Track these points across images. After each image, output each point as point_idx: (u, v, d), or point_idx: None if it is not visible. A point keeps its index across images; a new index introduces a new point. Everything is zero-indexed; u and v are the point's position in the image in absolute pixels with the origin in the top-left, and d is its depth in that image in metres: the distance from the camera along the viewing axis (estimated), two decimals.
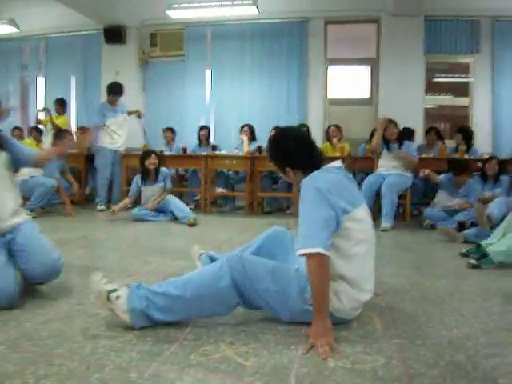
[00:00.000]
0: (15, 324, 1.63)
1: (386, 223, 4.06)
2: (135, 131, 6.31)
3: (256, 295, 1.55)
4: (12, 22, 6.27)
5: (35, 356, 1.36)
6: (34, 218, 4.35)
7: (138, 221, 4.35)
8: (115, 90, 5.35)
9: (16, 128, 6.27)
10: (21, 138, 6.02)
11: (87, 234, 3.66)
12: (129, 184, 5.50)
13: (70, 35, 6.81)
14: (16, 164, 2.12)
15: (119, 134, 5.36)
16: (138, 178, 4.57)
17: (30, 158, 2.18)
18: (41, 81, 7.19)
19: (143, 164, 4.50)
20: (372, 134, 5.18)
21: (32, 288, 2.04)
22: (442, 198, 4.22)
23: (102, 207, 5.15)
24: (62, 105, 5.98)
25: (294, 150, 1.62)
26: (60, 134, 4.61)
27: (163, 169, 4.63)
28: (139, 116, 5.67)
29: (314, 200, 1.47)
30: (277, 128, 5.05)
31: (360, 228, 1.54)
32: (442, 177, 4.26)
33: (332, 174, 1.58)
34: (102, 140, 5.33)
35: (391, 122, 4.34)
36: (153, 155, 4.51)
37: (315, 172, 1.57)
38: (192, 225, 4.17)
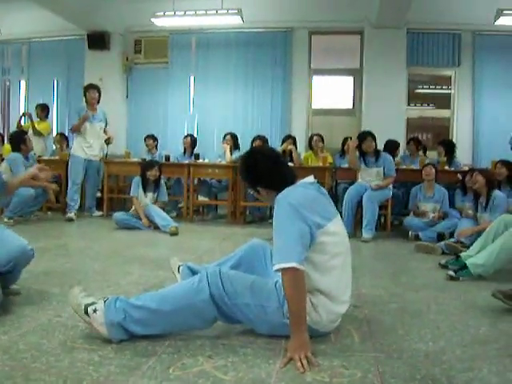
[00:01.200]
0: None
1: (367, 234, 4.11)
2: (117, 137, 6.26)
3: (235, 310, 1.55)
4: None
5: (12, 370, 1.35)
6: (11, 226, 4.34)
7: (120, 227, 4.30)
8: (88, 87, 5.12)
9: None
10: (1, 143, 5.91)
11: (67, 243, 3.60)
12: (111, 191, 5.47)
13: (53, 40, 6.75)
14: None
15: (91, 145, 5.10)
16: (139, 181, 4.58)
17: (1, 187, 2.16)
18: (23, 85, 7.09)
19: (144, 173, 4.55)
20: (343, 144, 5.28)
21: (9, 299, 2.00)
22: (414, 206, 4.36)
23: (71, 215, 4.86)
24: (43, 110, 5.91)
25: (265, 170, 1.64)
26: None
27: (162, 181, 4.73)
28: (108, 142, 5.44)
29: (287, 215, 1.48)
30: (257, 137, 5.11)
31: (335, 241, 1.56)
32: (412, 191, 4.38)
33: (305, 189, 1.59)
34: (74, 148, 5.13)
35: (369, 134, 4.37)
36: (156, 168, 4.57)
37: (288, 188, 1.58)
38: (174, 234, 4.14)
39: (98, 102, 5.12)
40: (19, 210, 4.52)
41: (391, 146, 5.00)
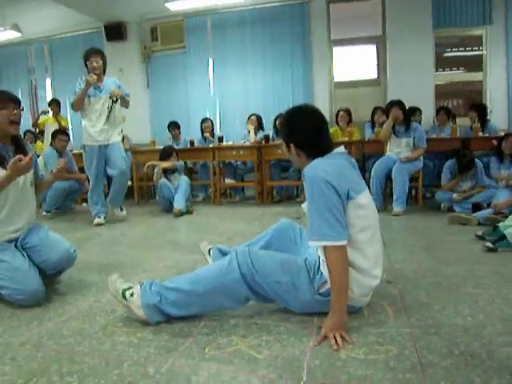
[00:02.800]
0: (38, 323, 1.70)
1: (397, 207, 4.02)
2: (141, 124, 6.34)
3: (266, 288, 1.56)
4: (15, 27, 6.34)
5: (58, 354, 1.42)
6: (50, 219, 4.53)
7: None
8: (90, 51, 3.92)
9: (29, 131, 6.38)
10: (34, 141, 6.16)
11: (101, 232, 3.71)
12: (140, 180, 5.57)
13: (72, 35, 6.86)
14: None
15: (100, 126, 3.91)
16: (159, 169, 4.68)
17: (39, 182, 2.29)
18: (48, 83, 7.29)
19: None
20: (373, 114, 5.12)
21: (52, 287, 2.12)
22: (446, 182, 4.15)
23: (100, 220, 4.02)
24: (58, 105, 6.06)
25: (305, 131, 1.58)
26: (54, 133, 4.87)
27: (179, 163, 4.80)
28: (114, 99, 3.97)
29: (321, 191, 1.44)
30: (280, 115, 5.01)
31: (363, 214, 1.52)
32: (446, 166, 4.15)
33: (333, 160, 1.54)
34: (83, 136, 4.04)
35: (396, 103, 4.19)
36: (173, 155, 4.72)
37: (316, 161, 1.53)
38: (176, 215, 4.30)
39: (104, 72, 3.96)
40: (55, 203, 4.72)
41: (412, 113, 4.78)
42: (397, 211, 4.00)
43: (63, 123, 5.96)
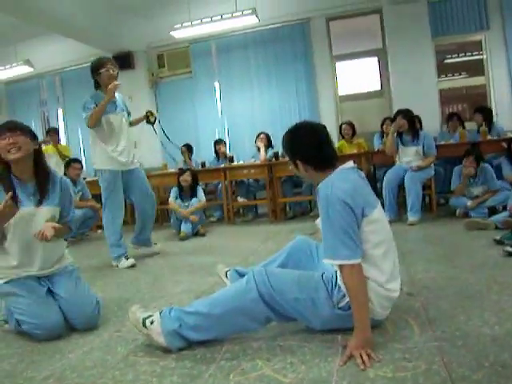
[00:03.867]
0: (60, 356, 1.69)
1: (413, 217, 3.98)
2: (152, 149, 6.39)
3: (286, 306, 1.55)
4: (27, 63, 6.55)
5: None
6: (66, 247, 4.56)
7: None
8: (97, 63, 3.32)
9: None
10: None
11: None
12: (161, 203, 5.60)
13: (82, 67, 7.02)
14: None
15: (121, 147, 3.35)
16: (176, 191, 4.69)
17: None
18: (60, 113, 7.50)
19: (179, 182, 4.68)
20: (383, 124, 5.12)
21: None
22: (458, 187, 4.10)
23: (129, 262, 3.32)
24: (57, 133, 6.11)
25: (309, 145, 1.59)
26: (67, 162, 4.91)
27: (199, 187, 4.78)
28: (150, 120, 3.61)
29: (337, 210, 1.45)
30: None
31: (377, 229, 1.52)
32: (455, 171, 4.09)
33: (349, 176, 1.55)
34: (97, 160, 3.38)
35: (400, 113, 4.15)
36: (187, 172, 4.68)
37: (330, 178, 1.54)
38: (181, 239, 4.33)
39: None
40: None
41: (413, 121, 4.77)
42: (412, 220, 3.96)
43: (65, 152, 5.91)
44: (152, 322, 1.61)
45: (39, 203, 1.98)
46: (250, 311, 1.56)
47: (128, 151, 3.41)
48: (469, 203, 3.89)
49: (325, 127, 1.67)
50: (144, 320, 1.63)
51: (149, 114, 3.58)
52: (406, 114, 4.15)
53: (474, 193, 3.95)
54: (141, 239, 3.66)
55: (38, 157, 2.00)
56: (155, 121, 3.62)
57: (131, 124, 3.59)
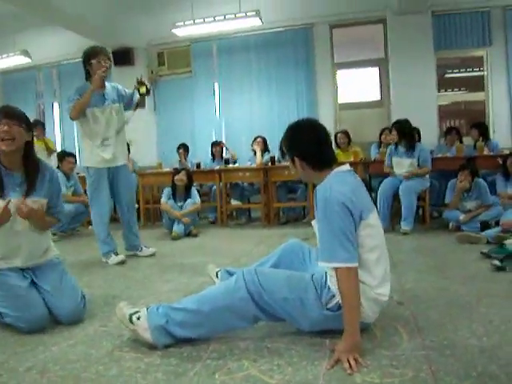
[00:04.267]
0: (43, 348, 1.67)
1: (406, 226, 4.00)
2: (148, 147, 6.37)
3: (275, 306, 1.54)
4: (25, 53, 6.49)
5: (63, 380, 1.39)
6: (56, 241, 4.52)
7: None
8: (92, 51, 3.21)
9: None
10: None
11: None
12: (146, 202, 5.58)
13: (80, 61, 6.99)
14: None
15: (107, 142, 3.23)
16: (169, 191, 4.65)
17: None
18: (56, 107, 7.42)
19: (173, 181, 4.63)
20: (381, 134, 5.16)
21: None
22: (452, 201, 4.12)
23: (118, 258, 3.28)
24: (41, 127, 5.99)
25: (308, 143, 1.59)
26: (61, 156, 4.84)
27: (193, 188, 4.74)
28: (141, 91, 3.37)
29: (335, 212, 1.44)
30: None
31: (372, 234, 1.52)
32: (449, 186, 4.13)
33: (346, 179, 1.55)
34: (84, 156, 3.34)
35: (393, 125, 4.28)
36: (182, 172, 4.64)
37: (328, 179, 1.54)
38: (174, 238, 4.31)
39: (108, 76, 3.29)
40: (61, 227, 4.71)
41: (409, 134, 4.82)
42: (405, 229, 3.97)
43: (50, 146, 5.83)
44: (139, 318, 1.60)
45: (26, 194, 1.93)
46: (238, 309, 1.55)
47: (115, 147, 3.26)
48: (461, 217, 3.91)
49: (325, 128, 1.66)
50: (131, 316, 1.62)
51: (138, 86, 3.33)
52: (400, 125, 4.19)
53: (467, 207, 3.96)
54: (129, 245, 3.57)
55: (28, 148, 1.96)
56: (148, 92, 3.40)
57: (138, 104, 3.43)
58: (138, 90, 3.35)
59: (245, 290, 1.53)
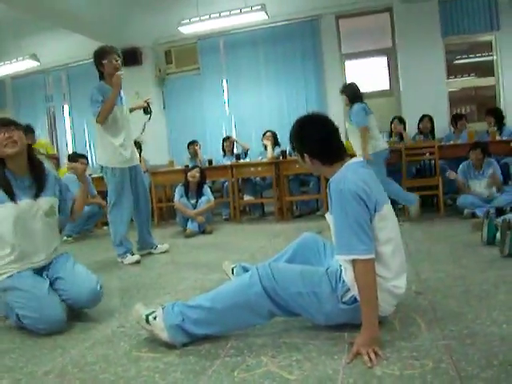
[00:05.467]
0: (61, 351, 1.68)
1: (411, 207, 4.12)
2: (159, 146, 6.38)
3: (290, 301, 1.54)
4: (33, 57, 6.55)
5: (82, 382, 1.40)
6: (71, 242, 4.59)
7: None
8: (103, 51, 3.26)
9: (51, 157, 6.55)
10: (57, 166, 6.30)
11: None
12: (159, 201, 5.62)
13: (89, 63, 7.00)
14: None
15: (125, 142, 3.29)
16: (181, 189, 4.66)
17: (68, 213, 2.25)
18: (66, 109, 7.49)
19: (186, 178, 4.65)
20: (392, 123, 5.09)
21: (74, 313, 2.09)
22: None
23: (134, 258, 3.31)
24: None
25: (316, 138, 1.58)
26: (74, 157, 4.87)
27: (206, 186, 4.75)
28: (147, 110, 3.61)
29: (350, 204, 1.43)
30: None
31: (387, 226, 1.50)
32: (460, 168, 4.13)
33: (359, 171, 1.53)
34: (104, 157, 3.32)
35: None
36: (196, 169, 4.65)
37: (341, 172, 1.52)
38: (187, 236, 4.31)
39: None
40: (75, 228, 4.78)
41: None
42: (413, 210, 4.05)
43: (49, 151, 5.86)
44: (155, 318, 1.60)
45: (36, 195, 2.01)
46: (253, 305, 1.54)
47: (131, 146, 3.36)
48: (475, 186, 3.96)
49: (332, 122, 1.64)
50: (147, 316, 1.62)
51: (149, 103, 3.57)
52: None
53: (478, 186, 3.97)
54: (144, 243, 3.60)
55: (30, 150, 2.07)
56: (150, 114, 3.59)
57: (131, 110, 3.52)
58: (145, 108, 3.59)
59: (259, 285, 1.53)
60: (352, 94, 4.18)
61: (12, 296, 1.90)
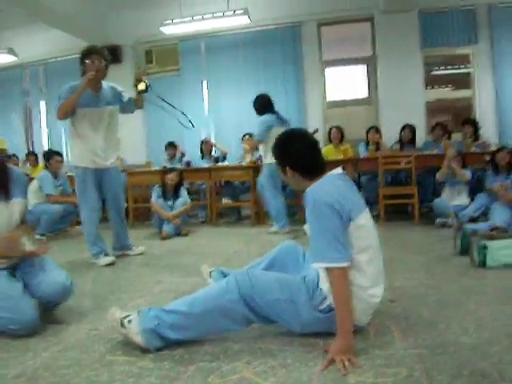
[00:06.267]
0: (33, 354, 1.63)
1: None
2: (136, 146, 6.29)
3: (266, 308, 1.54)
4: (11, 51, 6.37)
5: None
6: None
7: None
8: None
9: (30, 153, 6.37)
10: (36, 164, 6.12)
11: None
12: (135, 201, 5.53)
13: (67, 59, 6.88)
14: None
15: (95, 146, 3.19)
16: (158, 190, 4.60)
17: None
18: (43, 105, 7.30)
19: (163, 179, 4.59)
20: (368, 132, 5.17)
21: (47, 315, 2.04)
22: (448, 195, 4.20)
23: (107, 260, 3.25)
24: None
25: (298, 152, 1.62)
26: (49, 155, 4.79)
27: (183, 188, 4.71)
28: (139, 89, 3.33)
29: (324, 214, 1.46)
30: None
31: (363, 235, 1.53)
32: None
33: (334, 182, 1.57)
34: (72, 155, 3.32)
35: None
36: (175, 172, 4.61)
37: (317, 183, 1.56)
38: (163, 238, 4.29)
39: (104, 77, 3.21)
40: (49, 227, 4.65)
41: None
42: (274, 230, 4.22)
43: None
44: (130, 321, 1.59)
45: (6, 199, 2.00)
46: (229, 312, 1.54)
47: (105, 149, 3.24)
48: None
49: (313, 136, 1.72)
50: (122, 320, 1.61)
51: (136, 83, 3.28)
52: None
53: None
54: (119, 244, 3.55)
55: None
56: (147, 88, 3.30)
57: (137, 104, 3.41)
58: (136, 87, 3.28)
59: (237, 291, 1.53)
60: (259, 106, 4.38)
61: None
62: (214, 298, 1.55)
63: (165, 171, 4.67)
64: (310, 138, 1.69)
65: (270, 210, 4.33)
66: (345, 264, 1.44)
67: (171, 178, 4.55)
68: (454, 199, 4.11)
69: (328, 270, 1.45)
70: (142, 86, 3.25)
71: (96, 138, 3.21)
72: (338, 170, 1.64)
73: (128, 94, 3.41)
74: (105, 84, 3.25)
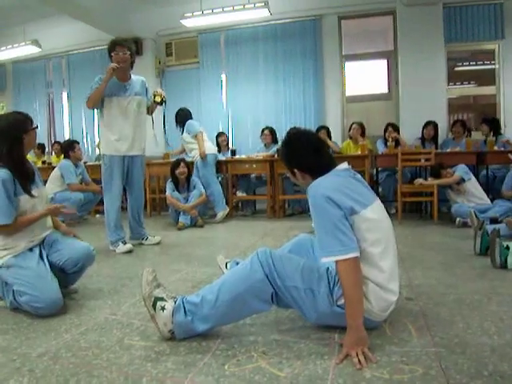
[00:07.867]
0: (55, 334, 1.70)
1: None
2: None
3: (285, 293, 1.53)
4: (35, 43, 6.51)
5: (76, 367, 1.41)
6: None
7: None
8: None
9: (56, 143, 6.55)
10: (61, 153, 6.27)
11: None
12: (153, 192, 5.59)
13: (89, 51, 7.01)
14: None
15: (121, 135, 3.32)
16: (171, 183, 4.64)
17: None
18: (65, 96, 7.46)
19: (173, 173, 4.59)
20: (386, 130, 5.11)
21: (68, 298, 2.12)
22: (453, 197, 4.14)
23: (126, 247, 3.33)
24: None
25: (304, 154, 1.62)
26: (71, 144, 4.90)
27: (193, 177, 4.74)
28: (156, 100, 3.51)
29: (323, 207, 1.45)
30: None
31: (373, 227, 1.50)
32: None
33: (336, 176, 1.57)
34: (101, 144, 3.48)
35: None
36: (182, 164, 4.59)
37: (318, 179, 1.56)
38: (179, 228, 4.36)
39: (131, 67, 3.36)
40: (70, 214, 4.72)
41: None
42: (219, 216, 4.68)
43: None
44: (163, 309, 1.56)
45: (43, 184, 2.26)
46: (257, 292, 1.53)
47: (133, 138, 3.37)
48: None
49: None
50: (156, 300, 1.58)
51: (155, 93, 3.52)
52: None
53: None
54: (136, 233, 3.65)
55: None
56: (162, 102, 3.52)
57: (149, 111, 3.58)
58: (154, 97, 3.52)
59: (261, 271, 1.52)
60: (181, 118, 5.14)
61: (14, 273, 1.95)
62: (241, 281, 1.54)
63: (172, 167, 4.63)
64: (313, 137, 1.69)
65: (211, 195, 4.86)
66: (350, 255, 1.40)
67: (181, 172, 4.58)
68: (469, 200, 4.02)
69: (336, 263, 1.43)
70: (158, 99, 3.50)
71: (124, 127, 3.33)
72: (344, 165, 1.63)
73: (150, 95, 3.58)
74: (135, 77, 3.43)
